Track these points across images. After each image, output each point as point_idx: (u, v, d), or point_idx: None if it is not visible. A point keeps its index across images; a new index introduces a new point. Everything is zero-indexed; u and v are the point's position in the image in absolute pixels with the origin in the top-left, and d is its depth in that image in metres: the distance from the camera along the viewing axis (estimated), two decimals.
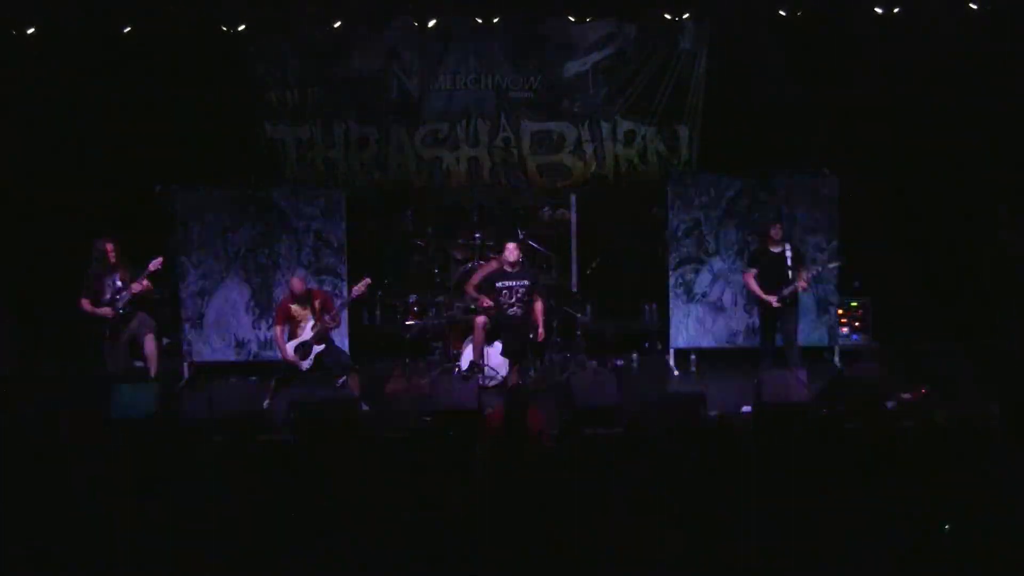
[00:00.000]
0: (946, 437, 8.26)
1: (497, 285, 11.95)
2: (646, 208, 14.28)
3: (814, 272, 12.16)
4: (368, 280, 11.57)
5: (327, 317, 11.45)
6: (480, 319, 11.89)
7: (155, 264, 11.70)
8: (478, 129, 14.68)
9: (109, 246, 11.78)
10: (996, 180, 13.24)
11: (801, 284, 11.85)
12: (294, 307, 11.45)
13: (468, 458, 7.99)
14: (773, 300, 11.88)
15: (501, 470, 7.68)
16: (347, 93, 14.54)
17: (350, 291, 11.84)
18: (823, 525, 6.73)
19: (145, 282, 11.76)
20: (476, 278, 12.32)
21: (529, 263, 12.72)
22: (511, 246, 11.99)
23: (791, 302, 11.93)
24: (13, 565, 6.54)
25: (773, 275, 11.95)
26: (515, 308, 11.88)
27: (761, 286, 11.98)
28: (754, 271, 12.10)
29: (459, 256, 14.05)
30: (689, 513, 6.82)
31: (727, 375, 12.67)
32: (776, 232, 12.03)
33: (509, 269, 11.99)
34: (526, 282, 11.91)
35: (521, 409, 9.36)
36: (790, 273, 11.86)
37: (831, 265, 12.26)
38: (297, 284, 11.53)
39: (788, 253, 11.95)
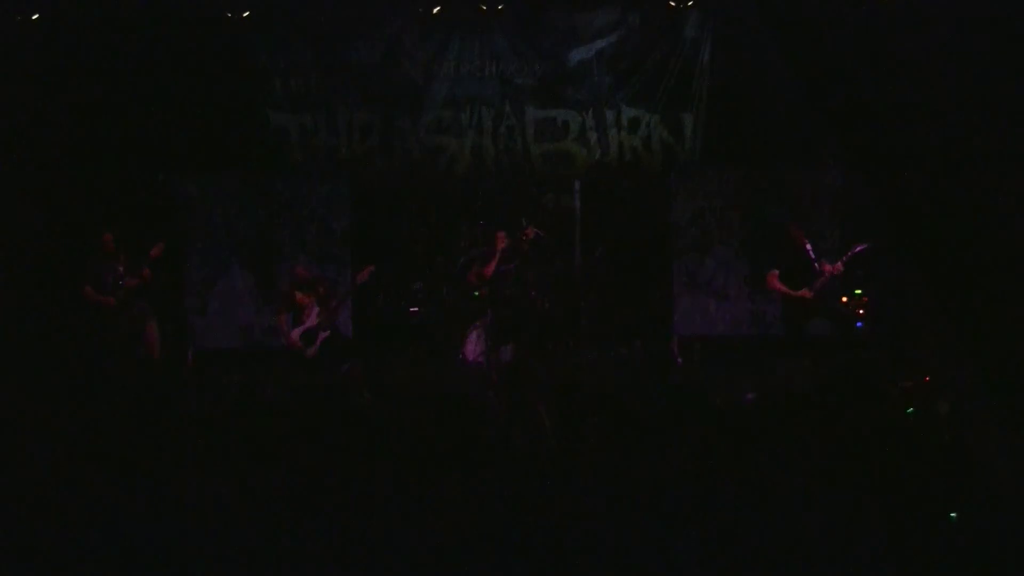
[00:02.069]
0: (949, 427, 8.26)
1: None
2: (650, 197, 14.33)
3: (844, 259, 11.49)
4: (372, 268, 11.57)
5: (332, 303, 11.46)
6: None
7: (156, 250, 11.71)
8: (482, 117, 14.65)
9: (107, 237, 11.79)
10: (1002, 171, 13.19)
11: (837, 267, 11.38)
12: (299, 294, 11.44)
13: (471, 445, 7.99)
14: (806, 294, 11.39)
15: (504, 458, 7.69)
16: (351, 81, 14.53)
17: (354, 279, 11.86)
18: (825, 514, 6.73)
19: (146, 271, 11.79)
20: (478, 266, 12.41)
21: (514, 245, 12.78)
22: (501, 235, 11.96)
23: (824, 295, 11.57)
24: (14, 553, 6.55)
25: (800, 272, 11.50)
26: (507, 291, 11.94)
27: (788, 285, 11.50)
28: (777, 272, 11.60)
29: (463, 244, 14.04)
30: (692, 502, 6.83)
31: (731, 363, 12.67)
32: (797, 229, 11.59)
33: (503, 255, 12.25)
34: (512, 265, 11.97)
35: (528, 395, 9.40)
36: (816, 266, 11.44)
37: (858, 248, 11.71)
38: (301, 271, 11.53)
39: (809, 246, 11.51)
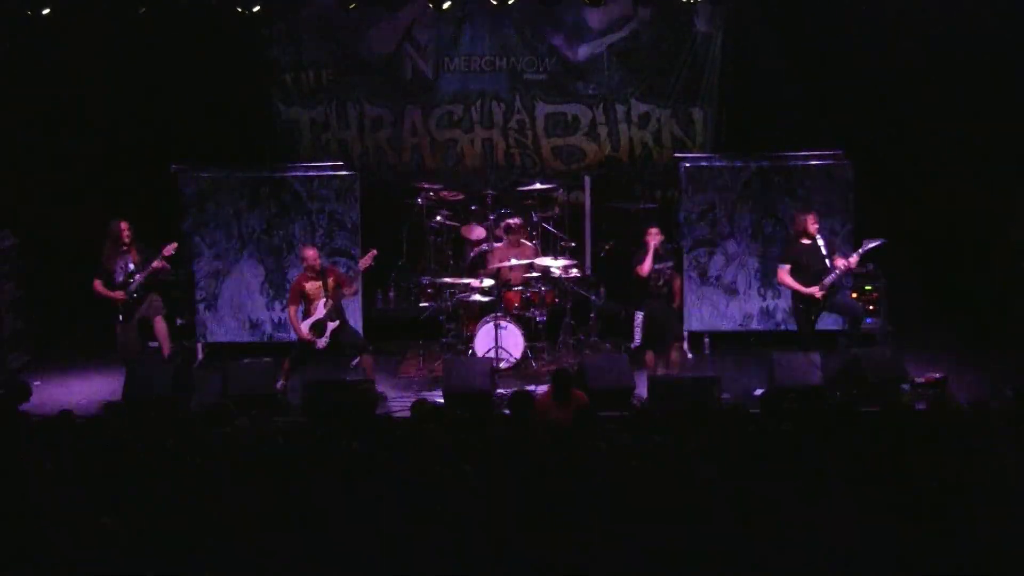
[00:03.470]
0: (960, 421, 8.24)
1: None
2: (659, 190, 14.34)
3: (857, 254, 11.31)
4: (374, 252, 11.62)
5: (343, 290, 11.48)
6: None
7: (169, 249, 11.73)
8: (492, 111, 14.69)
9: (123, 225, 11.82)
10: (1012, 164, 13.16)
11: (851, 262, 11.26)
12: (308, 285, 11.43)
13: (481, 440, 7.99)
14: (816, 291, 11.23)
15: (515, 453, 7.69)
16: (362, 75, 14.57)
17: (359, 266, 11.97)
18: (835, 509, 6.72)
19: (158, 263, 11.76)
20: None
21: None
22: (654, 231, 11.74)
23: (835, 291, 11.43)
24: (20, 544, 6.56)
25: (811, 267, 11.32)
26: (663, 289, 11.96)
27: (799, 280, 11.36)
28: (787, 266, 11.46)
29: (473, 238, 14.03)
30: (701, 496, 6.82)
31: (741, 358, 12.64)
32: (812, 224, 11.37)
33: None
34: (666, 264, 11.92)
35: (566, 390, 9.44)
36: (827, 262, 11.28)
37: (872, 244, 11.34)
38: (311, 254, 11.49)
39: (821, 241, 11.39)
